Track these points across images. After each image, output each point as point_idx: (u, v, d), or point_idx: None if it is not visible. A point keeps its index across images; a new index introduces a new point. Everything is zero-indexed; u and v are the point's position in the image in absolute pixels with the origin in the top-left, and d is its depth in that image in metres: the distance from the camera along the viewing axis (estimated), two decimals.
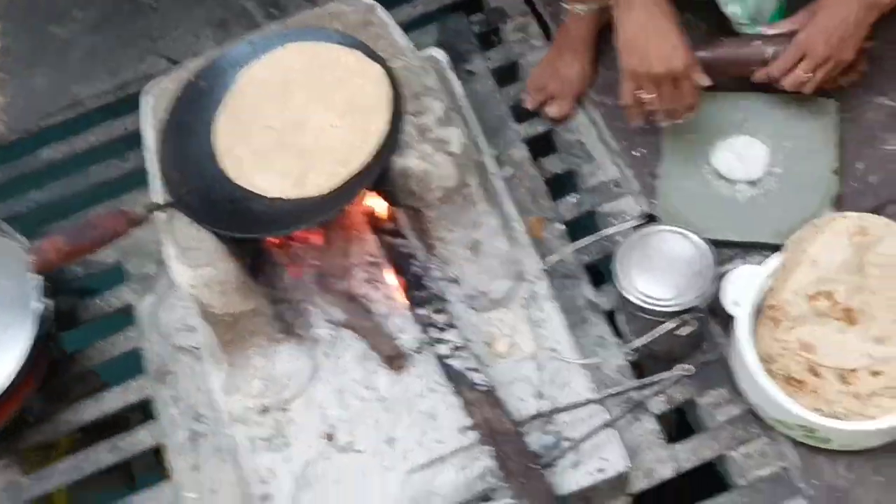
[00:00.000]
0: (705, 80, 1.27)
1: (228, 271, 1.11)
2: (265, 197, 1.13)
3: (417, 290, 1.22)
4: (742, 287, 1.20)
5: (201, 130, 1.18)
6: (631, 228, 1.24)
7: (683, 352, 1.31)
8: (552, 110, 1.54)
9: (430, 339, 1.18)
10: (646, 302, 1.17)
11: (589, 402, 1.15)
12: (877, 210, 1.36)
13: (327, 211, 1.14)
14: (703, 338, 1.31)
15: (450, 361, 1.16)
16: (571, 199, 1.48)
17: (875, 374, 1.19)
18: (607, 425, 1.13)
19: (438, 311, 1.20)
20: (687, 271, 1.18)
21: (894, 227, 1.18)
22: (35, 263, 1.03)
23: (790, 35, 1.28)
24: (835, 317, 1.21)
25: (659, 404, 1.29)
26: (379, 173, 1.10)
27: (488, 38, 1.71)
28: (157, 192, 1.18)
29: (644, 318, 1.20)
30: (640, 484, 1.24)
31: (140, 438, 1.38)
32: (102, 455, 1.38)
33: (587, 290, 1.38)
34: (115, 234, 1.09)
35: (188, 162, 1.16)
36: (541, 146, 1.57)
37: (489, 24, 1.72)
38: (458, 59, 1.63)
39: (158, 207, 1.13)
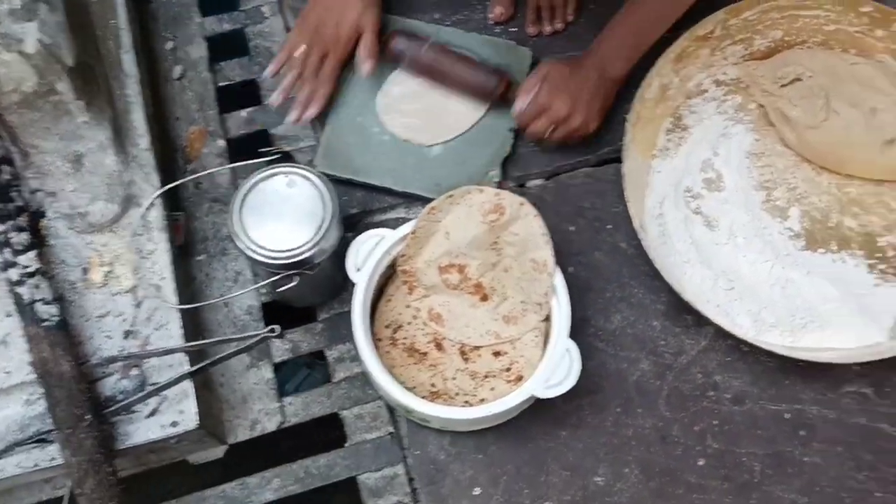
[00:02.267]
0: (367, 68, 1.23)
1: None
2: None
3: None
4: (366, 252, 1.11)
5: None
6: (265, 162, 1.11)
7: (314, 299, 1.23)
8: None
9: (2, 262, 1.04)
10: (252, 250, 1.05)
11: (168, 351, 1.04)
12: (549, 177, 1.29)
13: None
14: (342, 286, 1.23)
15: (18, 289, 1.03)
16: (243, 113, 1.34)
17: (497, 354, 1.14)
18: (182, 378, 1.03)
19: (20, 229, 1.05)
20: (304, 221, 1.07)
21: (528, 208, 1.11)
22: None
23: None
24: (467, 291, 1.14)
25: (283, 352, 1.21)
26: None
27: None
28: None
29: (257, 264, 1.09)
30: (242, 434, 1.17)
31: None
32: None
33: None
34: None
35: None
36: (226, 44, 1.41)
37: None
38: None
39: None
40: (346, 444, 1.17)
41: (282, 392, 1.18)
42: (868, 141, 1.22)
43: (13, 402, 1.05)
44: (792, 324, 1.17)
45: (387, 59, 1.27)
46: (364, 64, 1.24)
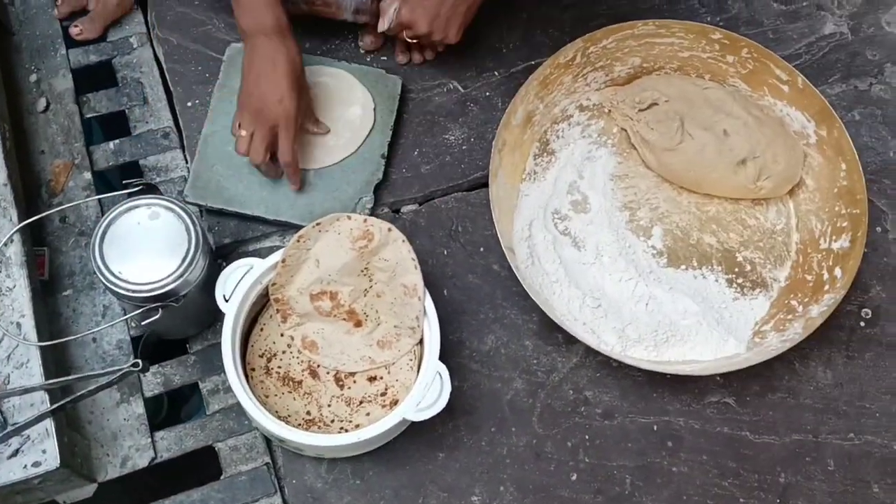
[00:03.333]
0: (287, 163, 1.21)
1: None
2: None
3: None
4: (234, 281, 1.10)
5: None
6: (126, 194, 1.10)
7: (185, 331, 1.21)
8: (75, 29, 1.36)
9: None
10: (113, 283, 1.04)
11: (27, 390, 1.01)
12: (422, 202, 1.31)
13: None
14: (214, 317, 1.22)
15: None
16: (110, 145, 1.32)
17: (372, 379, 1.15)
18: (43, 416, 1.00)
19: None
20: (167, 254, 1.06)
21: (396, 233, 1.12)
22: None
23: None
24: (341, 318, 1.15)
25: (154, 386, 1.19)
26: None
27: None
28: None
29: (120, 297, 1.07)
30: (112, 472, 1.14)
31: None
32: None
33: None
34: None
35: None
36: (99, 78, 1.39)
37: None
38: None
39: None
40: (222, 477, 1.15)
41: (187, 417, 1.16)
42: (721, 162, 1.28)
43: None
44: (655, 339, 1.21)
45: None
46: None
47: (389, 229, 1.13)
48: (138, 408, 1.17)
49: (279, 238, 1.27)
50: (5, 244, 1.08)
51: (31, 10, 1.38)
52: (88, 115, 1.33)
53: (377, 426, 1.06)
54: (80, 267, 1.23)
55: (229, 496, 1.14)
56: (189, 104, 1.33)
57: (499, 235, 1.19)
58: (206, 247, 1.08)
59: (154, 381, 1.19)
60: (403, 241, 1.13)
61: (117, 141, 1.32)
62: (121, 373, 1.00)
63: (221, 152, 1.27)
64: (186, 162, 1.31)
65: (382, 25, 1.27)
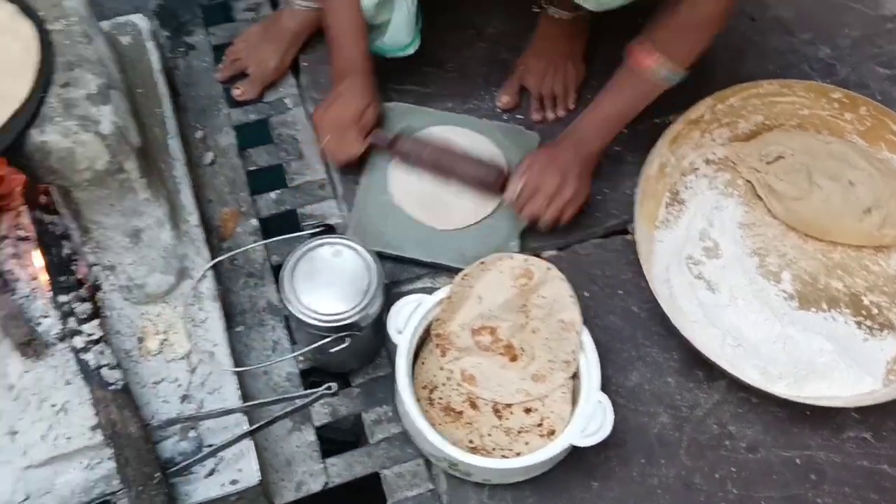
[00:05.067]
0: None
1: None
2: None
3: (61, 274, 1.12)
4: (406, 315, 1.18)
5: None
6: (308, 235, 1.19)
7: (352, 364, 1.29)
8: (237, 90, 1.48)
9: (67, 330, 1.09)
10: (304, 314, 1.13)
11: (228, 412, 1.09)
12: (562, 248, 1.40)
13: None
14: (377, 352, 1.30)
15: (84, 356, 1.07)
16: (272, 195, 1.43)
17: (528, 410, 1.21)
18: (243, 437, 1.08)
19: (82, 300, 1.11)
20: (350, 288, 1.15)
21: (555, 272, 1.21)
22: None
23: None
24: (497, 352, 1.22)
25: (322, 416, 1.26)
26: (9, 144, 0.99)
27: (216, 12, 1.61)
28: None
29: (306, 329, 1.16)
30: (287, 496, 1.21)
31: None
32: None
33: (270, 293, 1.33)
34: None
35: None
36: (256, 134, 1.50)
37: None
38: (179, 30, 1.54)
39: None
40: (388, 503, 1.22)
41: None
42: (847, 211, 1.36)
43: (75, 467, 1.08)
44: (795, 375, 1.27)
45: (397, 160, 1.38)
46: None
47: (549, 268, 1.22)
48: (309, 435, 1.24)
49: (430, 279, 1.36)
50: (199, 280, 1.18)
51: (194, 74, 1.51)
52: (250, 168, 1.44)
53: (547, 450, 1.13)
54: (249, 305, 1.32)
55: None
56: None
57: (647, 277, 1.26)
58: (383, 284, 1.17)
59: (322, 411, 1.26)
60: (562, 279, 1.21)
61: (279, 191, 1.42)
62: (315, 396, 1.08)
63: (379, 201, 1.37)
64: (340, 210, 1.41)
65: (512, 190, 1.33)
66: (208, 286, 1.19)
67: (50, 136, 1.00)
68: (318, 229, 1.20)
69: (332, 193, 1.43)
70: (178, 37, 1.52)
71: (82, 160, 1.02)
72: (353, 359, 1.27)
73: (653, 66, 1.23)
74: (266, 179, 1.45)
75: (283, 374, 1.28)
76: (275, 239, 1.29)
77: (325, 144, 1.36)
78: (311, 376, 1.30)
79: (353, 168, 1.39)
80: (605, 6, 1.23)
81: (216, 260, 1.19)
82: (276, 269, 1.35)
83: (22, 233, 1.17)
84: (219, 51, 1.54)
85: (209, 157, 1.43)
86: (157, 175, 1.17)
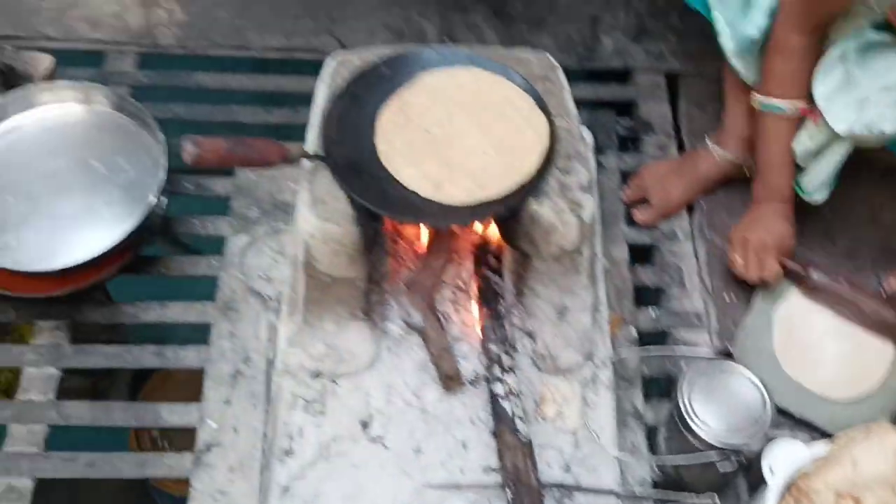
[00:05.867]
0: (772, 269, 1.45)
1: (349, 235, 1.17)
2: (404, 186, 1.20)
3: (496, 327, 1.27)
4: (783, 458, 1.23)
5: (370, 108, 1.26)
6: (700, 357, 1.29)
7: (705, 487, 1.34)
8: (639, 214, 1.62)
9: (491, 376, 1.23)
10: (700, 426, 1.20)
11: (611, 492, 1.18)
12: None
13: (452, 220, 1.22)
14: (728, 482, 1.35)
15: (503, 402, 1.21)
16: (652, 312, 1.54)
17: None
18: None
19: (507, 353, 1.25)
20: (746, 415, 1.22)
21: None
22: (190, 154, 1.09)
23: None
24: None
25: None
26: (511, 209, 1.17)
27: (626, 142, 1.79)
28: (311, 143, 1.25)
29: (688, 441, 1.23)
30: None
31: (187, 354, 1.43)
32: (147, 356, 1.43)
33: (637, 398, 1.43)
34: (266, 160, 1.16)
35: (348, 129, 1.24)
36: (641, 253, 1.63)
37: (632, 131, 1.80)
38: (595, 150, 1.72)
39: (310, 156, 1.20)
40: None
41: None
42: None
43: (461, 499, 1.20)
44: None
45: (806, 291, 1.45)
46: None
47: None
48: None
49: (788, 430, 1.39)
50: (600, 367, 1.29)
51: (601, 189, 1.67)
52: (636, 284, 1.57)
53: None
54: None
55: None
56: (725, 297, 1.53)
57: None
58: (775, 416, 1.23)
59: None
60: None
61: (658, 310, 1.54)
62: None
63: (757, 347, 1.44)
64: (711, 342, 1.49)
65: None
66: (605, 374, 1.30)
67: (544, 209, 1.17)
68: (718, 356, 1.28)
69: (708, 327, 1.52)
70: (594, 154, 1.70)
71: (560, 236, 1.18)
72: (714, 482, 1.32)
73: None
74: (647, 295, 1.57)
75: (636, 478, 1.35)
76: (677, 349, 1.39)
77: (742, 262, 1.46)
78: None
79: (769, 290, 1.47)
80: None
81: (640, 353, 1.30)
82: (644, 380, 1.45)
83: (461, 282, 1.34)
84: (624, 174, 1.71)
85: (605, 264, 1.57)
86: (594, 266, 1.31)
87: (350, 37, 1.88)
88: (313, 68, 1.79)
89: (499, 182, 1.20)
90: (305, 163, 1.22)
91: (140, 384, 1.78)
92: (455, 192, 1.20)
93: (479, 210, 1.18)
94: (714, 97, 1.79)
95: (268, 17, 1.89)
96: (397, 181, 1.21)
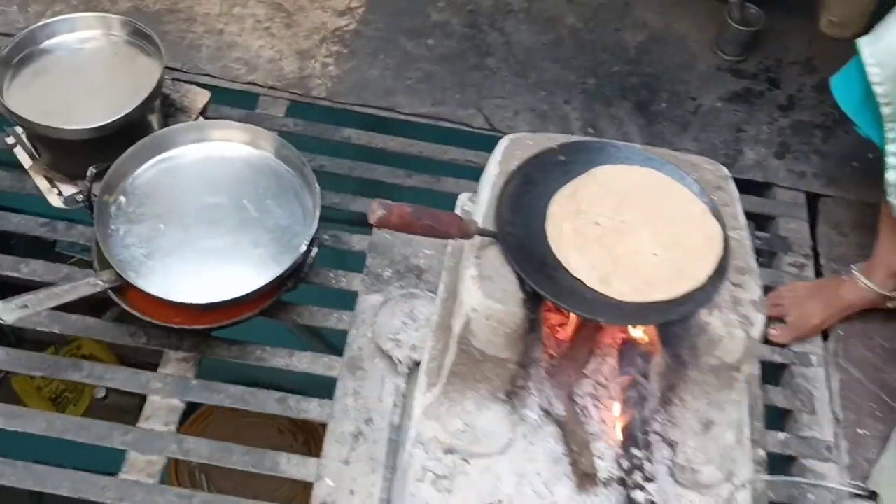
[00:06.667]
0: None
1: (513, 316, 1.16)
2: (571, 275, 1.18)
3: (636, 431, 1.23)
4: None
5: (543, 192, 1.25)
6: (834, 488, 1.24)
7: None
8: (773, 332, 1.60)
9: (631, 482, 1.19)
10: None
11: None
12: None
13: (628, 319, 1.20)
14: None
15: None
16: (781, 435, 1.49)
17: None
18: None
19: (650, 461, 1.21)
20: None
21: None
22: (377, 216, 1.09)
23: None
24: None
25: None
26: (678, 315, 1.15)
27: (761, 256, 1.76)
28: (480, 217, 1.25)
29: None
30: None
31: (310, 407, 1.41)
32: (270, 402, 1.42)
33: None
34: (443, 232, 1.15)
35: (521, 210, 1.23)
36: (771, 373, 1.59)
37: (769, 245, 1.77)
38: None
39: (485, 232, 1.19)
40: None
41: None
42: None
43: None
44: None
45: None
46: None
47: None
48: None
49: None
50: (740, 488, 1.25)
51: None
52: (764, 402, 1.52)
53: None
54: None
55: None
56: (860, 431, 1.48)
57: None
58: None
59: None
60: None
61: (786, 434, 1.49)
62: None
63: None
64: (841, 477, 1.44)
65: None
66: (744, 495, 1.25)
67: (714, 320, 1.15)
68: (862, 493, 1.23)
69: (838, 459, 1.47)
70: None
71: (724, 349, 1.15)
72: None
73: None
74: (774, 417, 1.53)
75: None
76: (814, 482, 1.35)
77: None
78: None
79: None
80: None
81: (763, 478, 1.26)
82: None
83: (603, 379, 1.31)
84: None
85: None
86: (749, 382, 1.27)
87: (496, 114, 1.90)
88: (457, 139, 1.82)
89: (667, 285, 1.17)
90: (479, 238, 1.21)
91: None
92: (623, 288, 1.18)
93: (652, 311, 1.16)
94: (855, 224, 1.77)
95: (419, 83, 1.92)
96: (565, 269, 1.19)
